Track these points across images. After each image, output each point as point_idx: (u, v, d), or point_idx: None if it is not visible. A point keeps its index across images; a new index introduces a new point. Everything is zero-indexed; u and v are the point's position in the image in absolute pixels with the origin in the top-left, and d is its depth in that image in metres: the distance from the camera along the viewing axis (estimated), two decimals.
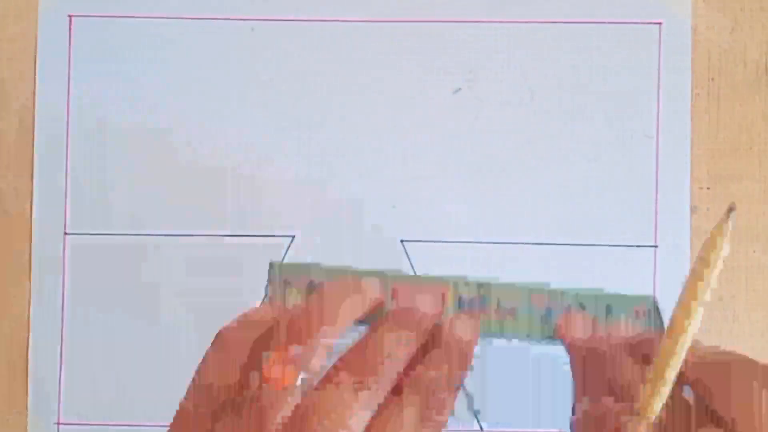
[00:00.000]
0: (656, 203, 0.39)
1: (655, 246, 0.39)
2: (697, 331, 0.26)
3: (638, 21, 0.39)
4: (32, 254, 0.39)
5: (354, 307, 0.30)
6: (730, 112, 0.39)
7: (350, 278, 0.31)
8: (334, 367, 0.28)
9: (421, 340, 0.30)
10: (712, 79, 0.39)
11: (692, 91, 0.39)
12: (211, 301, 0.38)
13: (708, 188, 0.39)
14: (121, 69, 0.39)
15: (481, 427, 0.38)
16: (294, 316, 0.29)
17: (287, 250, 0.39)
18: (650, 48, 0.39)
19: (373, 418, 0.27)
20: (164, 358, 0.38)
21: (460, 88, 0.39)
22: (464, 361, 0.30)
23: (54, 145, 0.39)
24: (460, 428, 0.38)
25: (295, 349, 0.27)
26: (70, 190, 0.39)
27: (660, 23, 0.39)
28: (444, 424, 0.29)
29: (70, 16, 0.39)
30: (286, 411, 0.26)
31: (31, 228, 0.39)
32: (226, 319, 0.39)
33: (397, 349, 0.29)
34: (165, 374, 0.36)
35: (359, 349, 0.29)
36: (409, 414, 0.28)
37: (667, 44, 0.39)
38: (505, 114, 0.39)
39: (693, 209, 0.39)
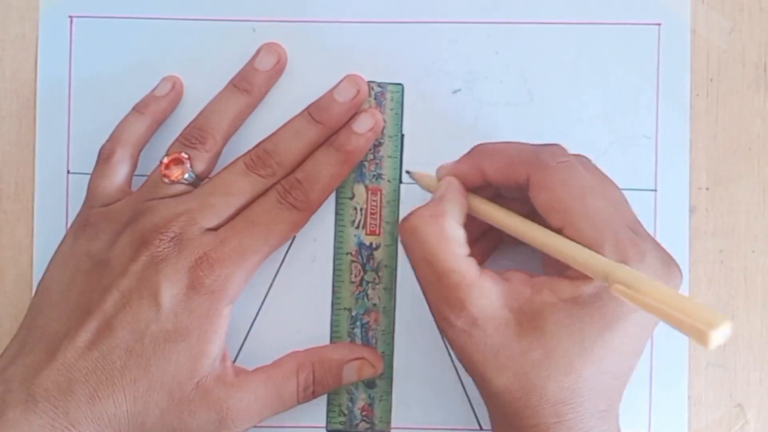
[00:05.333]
0: (655, 204, 0.39)
1: None
2: None
3: (637, 22, 0.39)
4: (34, 252, 0.39)
5: (233, 120, 0.38)
6: (729, 113, 0.39)
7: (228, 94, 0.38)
8: (242, 155, 0.37)
9: (332, 128, 0.37)
10: (711, 80, 0.39)
11: (691, 91, 0.39)
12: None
13: (707, 189, 0.39)
14: (121, 69, 0.39)
15: (480, 426, 0.38)
16: (189, 127, 0.37)
17: (288, 250, 0.39)
18: (649, 49, 0.39)
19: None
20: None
21: (460, 89, 0.39)
22: (350, 156, 0.37)
23: (55, 145, 0.39)
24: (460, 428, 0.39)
25: (183, 154, 0.36)
26: (72, 190, 0.39)
27: (659, 24, 0.39)
28: (301, 211, 0.36)
29: (70, 17, 0.39)
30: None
31: (32, 226, 0.39)
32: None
33: (290, 142, 0.37)
34: None
35: (264, 141, 0.37)
36: (271, 193, 0.36)
37: (666, 45, 0.39)
38: (505, 114, 0.39)
39: (692, 210, 0.39)
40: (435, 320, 0.33)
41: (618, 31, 0.39)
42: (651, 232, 0.38)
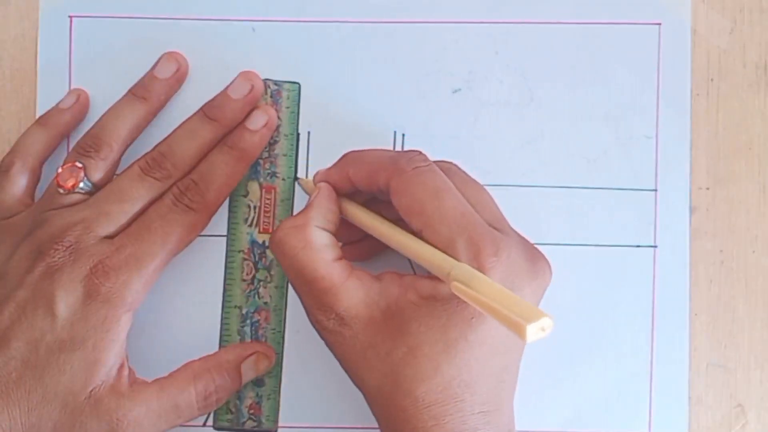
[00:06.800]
0: (656, 203, 0.39)
1: (655, 246, 0.39)
2: None
3: (638, 21, 0.39)
4: None
5: (132, 128, 0.37)
6: (729, 113, 0.39)
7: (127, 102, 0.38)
8: (138, 159, 0.36)
9: (227, 126, 0.37)
10: (712, 79, 0.39)
11: (692, 91, 0.39)
12: (211, 302, 0.39)
13: (707, 189, 0.39)
14: (121, 69, 0.39)
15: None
16: (86, 136, 0.37)
17: None
18: (650, 48, 0.39)
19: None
20: (163, 359, 0.38)
21: (460, 88, 0.39)
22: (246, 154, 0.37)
23: None
24: None
25: (78, 163, 0.36)
26: None
27: (659, 24, 0.39)
28: (198, 213, 0.36)
29: (70, 17, 0.39)
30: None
31: None
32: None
33: (184, 142, 0.36)
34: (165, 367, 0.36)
35: (159, 143, 0.37)
36: (167, 196, 0.36)
37: (666, 45, 0.39)
38: (505, 114, 0.39)
39: (692, 210, 0.39)
40: (312, 325, 0.33)
41: (618, 30, 0.39)
42: (651, 232, 0.39)
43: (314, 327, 0.33)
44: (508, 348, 0.32)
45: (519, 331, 0.26)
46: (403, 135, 0.39)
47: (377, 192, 0.34)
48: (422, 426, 0.30)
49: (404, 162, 0.33)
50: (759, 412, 0.39)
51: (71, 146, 0.39)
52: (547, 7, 0.39)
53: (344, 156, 0.35)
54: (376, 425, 0.33)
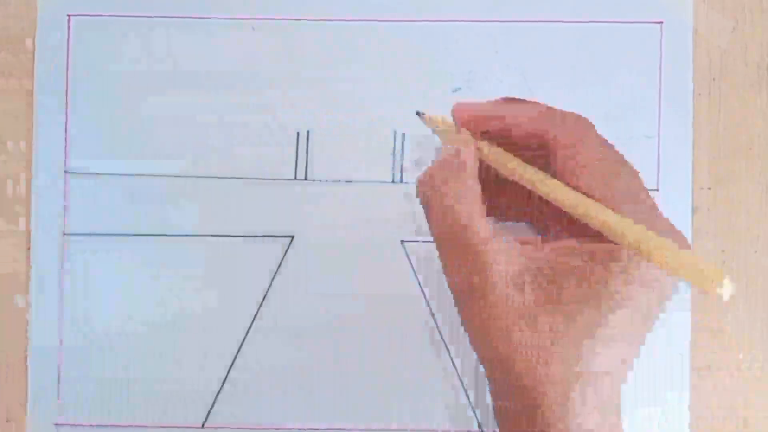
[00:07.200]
0: (657, 204, 0.39)
1: None
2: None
3: (639, 20, 0.39)
4: (31, 256, 0.39)
5: None
6: (730, 113, 0.39)
7: None
8: None
9: None
10: (714, 79, 0.39)
11: (694, 91, 0.39)
12: (210, 302, 0.39)
13: (709, 189, 0.39)
14: (121, 69, 0.39)
15: (480, 428, 0.38)
16: None
17: (287, 250, 0.39)
18: (651, 48, 0.39)
19: None
20: (163, 359, 0.38)
21: (460, 88, 0.39)
22: None
23: (53, 145, 0.39)
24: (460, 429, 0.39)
25: None
26: (69, 189, 0.39)
27: (661, 22, 0.39)
28: None
29: (69, 16, 0.39)
30: None
31: (29, 231, 0.39)
32: (226, 321, 0.39)
33: None
34: (164, 375, 0.36)
35: None
36: None
37: (668, 44, 0.39)
38: None
39: (694, 210, 0.39)
40: (452, 287, 0.29)
41: (619, 29, 0.39)
42: None
43: (457, 288, 0.29)
44: (635, 339, 0.29)
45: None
46: (403, 134, 0.39)
47: (534, 144, 0.30)
48: (548, 403, 0.27)
49: (579, 123, 0.30)
50: (759, 413, 0.39)
51: (69, 135, 0.39)
52: (548, 5, 0.39)
53: (498, 100, 0.32)
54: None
